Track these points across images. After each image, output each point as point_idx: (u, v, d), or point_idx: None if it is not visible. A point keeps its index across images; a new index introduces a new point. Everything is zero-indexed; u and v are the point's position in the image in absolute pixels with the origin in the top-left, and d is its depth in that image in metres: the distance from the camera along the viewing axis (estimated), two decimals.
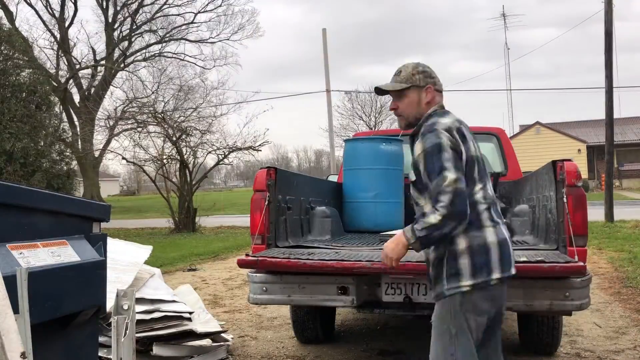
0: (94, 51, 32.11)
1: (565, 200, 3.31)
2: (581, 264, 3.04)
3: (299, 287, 3.50)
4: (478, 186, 2.37)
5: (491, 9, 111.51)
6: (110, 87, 31.01)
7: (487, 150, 6.03)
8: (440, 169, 2.24)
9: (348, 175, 5.64)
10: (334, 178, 6.70)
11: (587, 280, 3.16)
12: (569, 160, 3.46)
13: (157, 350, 3.87)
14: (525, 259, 3.13)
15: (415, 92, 2.46)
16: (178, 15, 32.83)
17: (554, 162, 3.49)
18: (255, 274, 3.59)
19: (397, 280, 3.43)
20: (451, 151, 2.28)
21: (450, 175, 2.23)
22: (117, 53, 32.44)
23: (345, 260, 3.33)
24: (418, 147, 2.36)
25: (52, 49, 30.51)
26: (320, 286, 3.47)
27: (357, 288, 3.44)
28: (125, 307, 1.31)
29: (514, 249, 3.70)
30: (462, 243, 2.31)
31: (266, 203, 3.81)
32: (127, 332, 1.33)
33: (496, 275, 2.31)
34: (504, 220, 2.53)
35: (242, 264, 3.47)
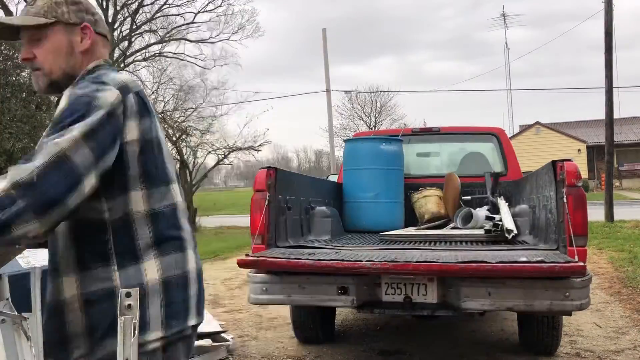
0: None
1: (565, 200, 3.31)
2: (581, 264, 3.04)
3: (299, 287, 3.49)
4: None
5: (456, 5, 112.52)
6: None
7: (487, 150, 6.04)
8: None
9: (348, 175, 5.64)
10: (334, 178, 6.70)
11: (587, 280, 3.15)
12: (569, 160, 3.46)
13: None
14: (525, 259, 3.13)
15: (62, 31, 1.56)
16: (178, 15, 32.73)
17: (554, 162, 3.49)
18: (255, 274, 3.59)
19: (397, 280, 3.43)
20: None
21: None
22: (117, 53, 32.41)
23: (345, 260, 3.33)
24: None
25: None
26: (320, 286, 3.47)
27: (357, 288, 3.44)
28: (130, 306, 1.30)
29: (515, 249, 3.74)
30: None
31: (266, 203, 3.81)
32: (135, 332, 1.31)
33: None
34: None
35: (242, 264, 3.47)
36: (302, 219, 4.48)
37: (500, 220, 4.30)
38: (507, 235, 4.05)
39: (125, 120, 1.45)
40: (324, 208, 4.78)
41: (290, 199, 4.20)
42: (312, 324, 4.57)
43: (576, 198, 3.33)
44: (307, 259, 3.38)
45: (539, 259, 3.10)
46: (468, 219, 4.95)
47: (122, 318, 1.30)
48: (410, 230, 5.01)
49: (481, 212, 4.95)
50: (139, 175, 1.48)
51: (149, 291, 1.47)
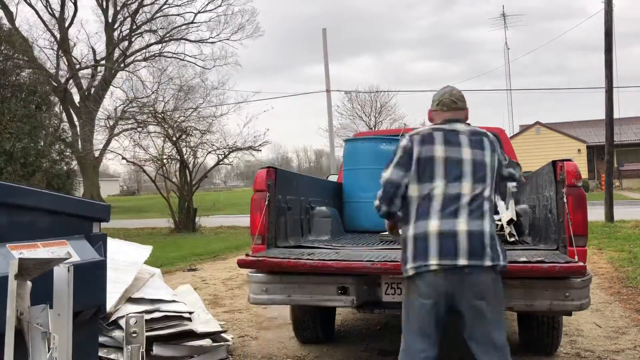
0: (94, 51, 32.11)
1: (565, 200, 3.31)
2: (581, 264, 3.05)
3: (299, 287, 3.50)
4: (426, 184, 2.67)
5: (430, 3, 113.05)
6: (110, 87, 30.99)
7: None
8: (385, 166, 2.79)
9: (348, 175, 5.64)
10: (334, 178, 6.70)
11: (587, 280, 3.16)
12: (569, 160, 3.46)
13: (157, 350, 3.87)
14: (525, 259, 3.13)
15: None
16: (178, 15, 32.80)
17: (554, 162, 3.49)
18: (255, 274, 3.59)
19: (397, 280, 3.43)
20: (398, 152, 2.76)
21: (384, 172, 2.78)
22: (117, 53, 32.42)
23: (345, 260, 3.33)
24: None
25: (52, 49, 30.52)
26: (320, 286, 3.47)
27: (357, 288, 3.44)
28: (135, 333, 1.27)
29: (516, 249, 3.73)
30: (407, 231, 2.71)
31: (266, 203, 3.81)
32: None
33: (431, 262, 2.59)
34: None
35: (242, 264, 3.47)
36: (302, 219, 4.48)
37: (499, 220, 4.30)
38: (507, 226, 4.06)
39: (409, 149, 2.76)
40: (324, 208, 4.78)
41: (290, 199, 4.20)
42: (312, 324, 4.57)
43: (576, 198, 3.33)
44: (307, 259, 3.38)
45: (539, 259, 3.10)
46: None
47: (129, 347, 1.29)
48: None
49: None
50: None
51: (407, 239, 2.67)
